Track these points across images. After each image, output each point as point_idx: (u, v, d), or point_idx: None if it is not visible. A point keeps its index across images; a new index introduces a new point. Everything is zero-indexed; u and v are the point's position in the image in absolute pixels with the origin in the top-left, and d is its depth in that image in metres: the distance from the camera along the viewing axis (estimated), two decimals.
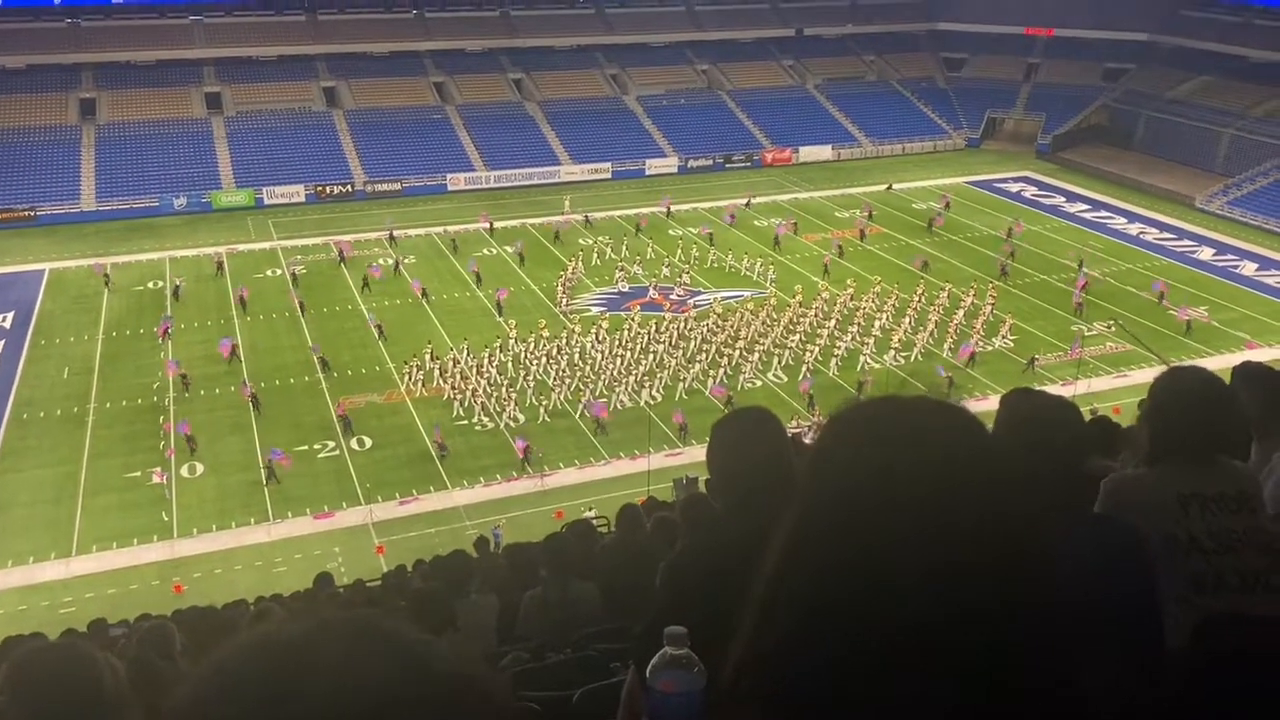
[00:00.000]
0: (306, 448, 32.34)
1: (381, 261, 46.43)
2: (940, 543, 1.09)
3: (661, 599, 2.78)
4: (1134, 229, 54.93)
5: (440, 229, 52.26)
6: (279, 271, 46.85)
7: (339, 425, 33.23)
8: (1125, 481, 3.21)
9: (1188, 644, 1.87)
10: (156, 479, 30.06)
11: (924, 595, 1.08)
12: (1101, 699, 2.04)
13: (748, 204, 56.89)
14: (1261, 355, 34.19)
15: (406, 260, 47.72)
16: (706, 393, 35.35)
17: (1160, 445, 3.20)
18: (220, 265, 46.57)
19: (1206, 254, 51.24)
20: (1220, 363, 34.96)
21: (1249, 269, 49.12)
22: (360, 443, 32.80)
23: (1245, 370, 5.02)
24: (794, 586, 1.16)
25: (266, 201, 56.66)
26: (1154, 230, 54.75)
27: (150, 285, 45.14)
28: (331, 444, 32.60)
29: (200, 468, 31.30)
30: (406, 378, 36.13)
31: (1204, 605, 2.83)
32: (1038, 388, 3.48)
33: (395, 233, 50.93)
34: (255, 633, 0.94)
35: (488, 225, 52.53)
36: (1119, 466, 3.72)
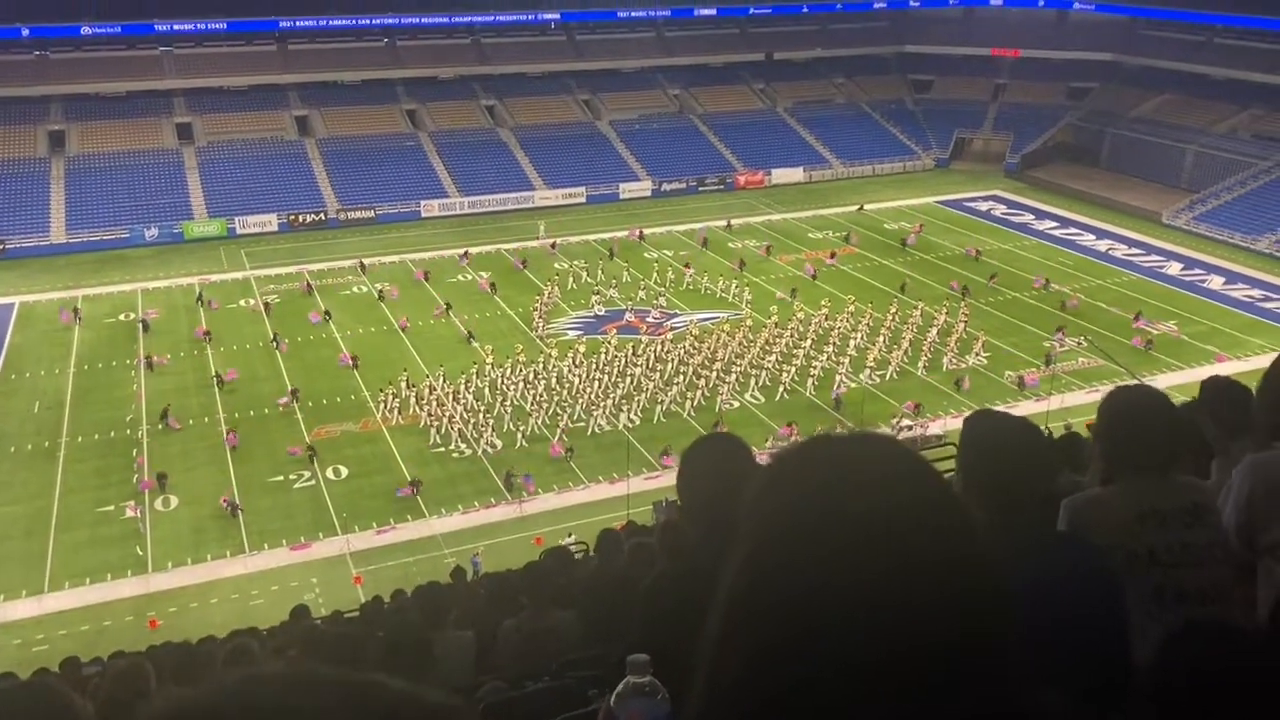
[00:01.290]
0: (281, 478, 32.07)
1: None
2: (884, 579, 1.09)
3: (635, 628, 2.79)
4: (1103, 245, 55.61)
5: (414, 255, 52.18)
6: (252, 301, 46.58)
7: (306, 456, 32.85)
8: (1084, 501, 3.26)
9: (1152, 659, 1.90)
10: (130, 512, 29.72)
11: (871, 634, 1.07)
12: (1073, 717, 2.06)
13: (728, 226, 57.26)
14: (1230, 368, 34.59)
15: (381, 288, 47.56)
16: (684, 414, 35.39)
17: (1113, 464, 3.27)
18: (200, 297, 46.14)
19: (1174, 269, 51.92)
20: (1190, 376, 35.37)
21: (1216, 283, 49.79)
22: (336, 472, 32.56)
23: (1213, 383, 5.11)
24: (740, 630, 1.15)
25: (239, 231, 56.40)
26: (1122, 246, 55.44)
27: (122, 317, 44.75)
28: (307, 474, 32.33)
29: (174, 500, 30.95)
30: (382, 406, 35.95)
31: (1166, 619, 2.87)
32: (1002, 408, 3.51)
33: (366, 261, 50.82)
34: (173, 699, 0.92)
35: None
36: (1088, 481, 3.77)
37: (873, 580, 1.09)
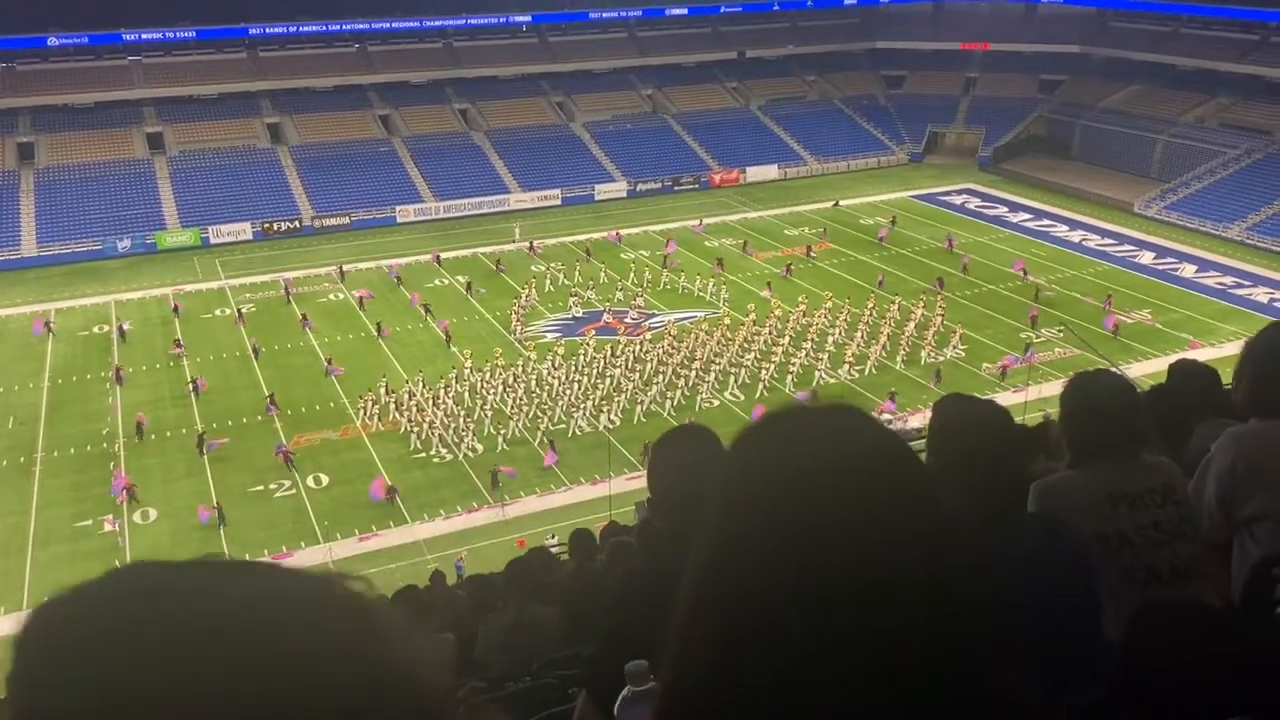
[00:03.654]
0: (262, 488, 31.86)
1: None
2: (852, 555, 1.06)
3: (606, 623, 2.77)
4: (1076, 236, 56.00)
5: (391, 261, 51.98)
6: (228, 311, 46.25)
7: (282, 463, 32.64)
8: (1053, 484, 3.28)
9: (1121, 636, 1.90)
10: (109, 526, 29.45)
11: (844, 615, 1.04)
12: (1046, 699, 2.06)
13: (699, 226, 57.29)
14: (1204, 355, 34.91)
15: (357, 294, 47.35)
16: (664, 414, 35.40)
17: (1080, 448, 3.30)
18: (176, 309, 45.80)
19: (1147, 258, 52.35)
20: (1164, 364, 35.55)
21: (1189, 271, 50.25)
22: (317, 480, 32.38)
23: (1181, 367, 5.16)
24: (706, 615, 1.12)
25: (213, 240, 55.97)
26: (1095, 237, 55.84)
27: (96, 330, 44.34)
28: (288, 483, 32.13)
29: (153, 513, 30.68)
30: (362, 412, 35.77)
31: (1137, 598, 2.89)
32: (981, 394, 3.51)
33: (345, 267, 50.62)
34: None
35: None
36: (1062, 468, 3.79)
37: (840, 556, 1.06)
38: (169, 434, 35.04)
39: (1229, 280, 48.75)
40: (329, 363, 39.24)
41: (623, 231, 56.13)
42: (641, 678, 1.76)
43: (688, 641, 1.14)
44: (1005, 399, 33.71)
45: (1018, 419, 3.62)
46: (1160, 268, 50.86)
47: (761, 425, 1.22)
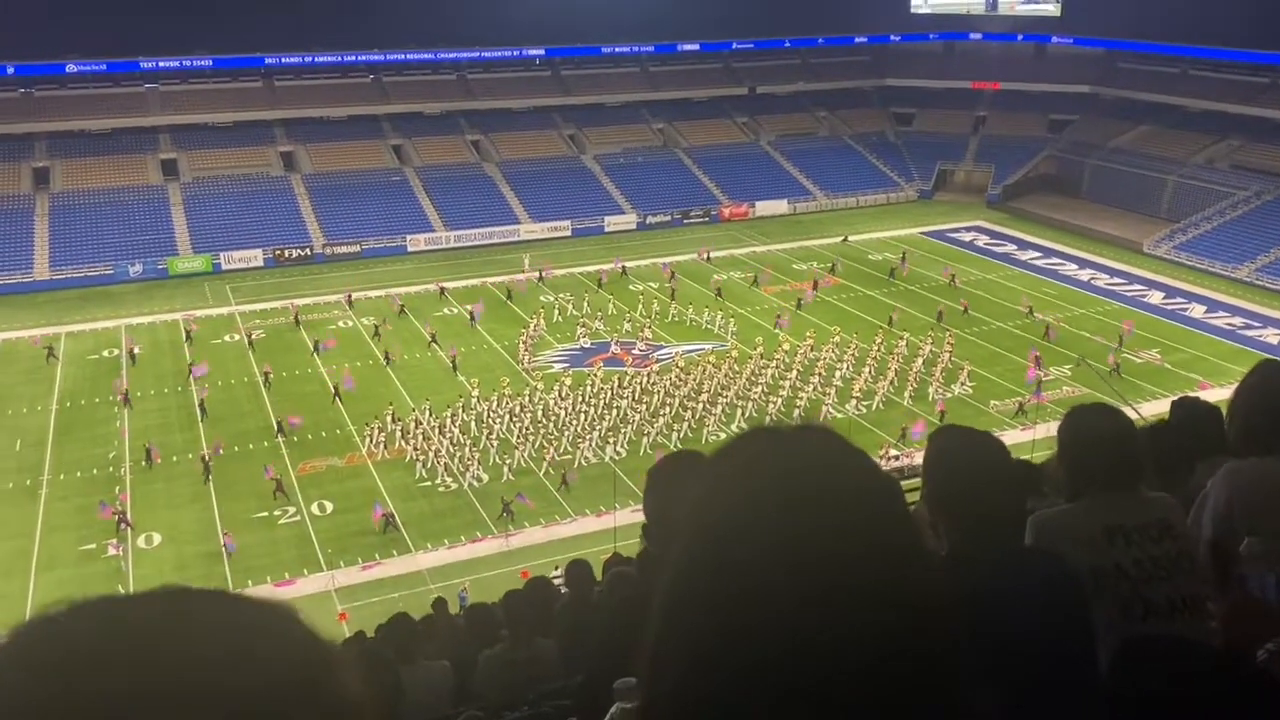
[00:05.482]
0: (266, 514, 31.83)
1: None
2: (821, 569, 1.06)
3: (599, 646, 2.76)
4: (1085, 275, 56.03)
5: (399, 290, 52.21)
6: (237, 337, 46.45)
7: (272, 488, 32.52)
8: (1050, 517, 3.27)
9: (1108, 667, 1.90)
10: (113, 551, 29.41)
11: (807, 626, 1.04)
12: None
13: (706, 258, 57.54)
14: (1214, 396, 34.76)
15: (366, 321, 47.50)
16: (671, 446, 35.32)
17: (1078, 481, 3.29)
18: (189, 334, 46.04)
19: (1156, 298, 52.32)
20: None
21: (1198, 311, 50.19)
22: (321, 507, 32.35)
23: (1183, 404, 5.16)
24: (677, 628, 1.11)
25: (224, 266, 56.33)
26: (1104, 275, 55.87)
27: (105, 354, 44.54)
28: (292, 510, 32.11)
29: (157, 538, 30.66)
30: (368, 440, 35.79)
31: (1134, 632, 2.87)
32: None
33: (353, 295, 50.87)
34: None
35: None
36: (1054, 502, 3.79)
37: (809, 569, 1.07)
38: (175, 459, 35.07)
39: (1238, 321, 48.65)
40: (337, 389, 39.31)
41: (631, 264, 56.28)
42: (630, 695, 1.76)
43: (657, 660, 1.14)
44: (1012, 436, 33.59)
45: (1025, 456, 3.62)
46: (1169, 307, 50.81)
47: (730, 447, 1.22)
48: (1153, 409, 34.83)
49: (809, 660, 1.05)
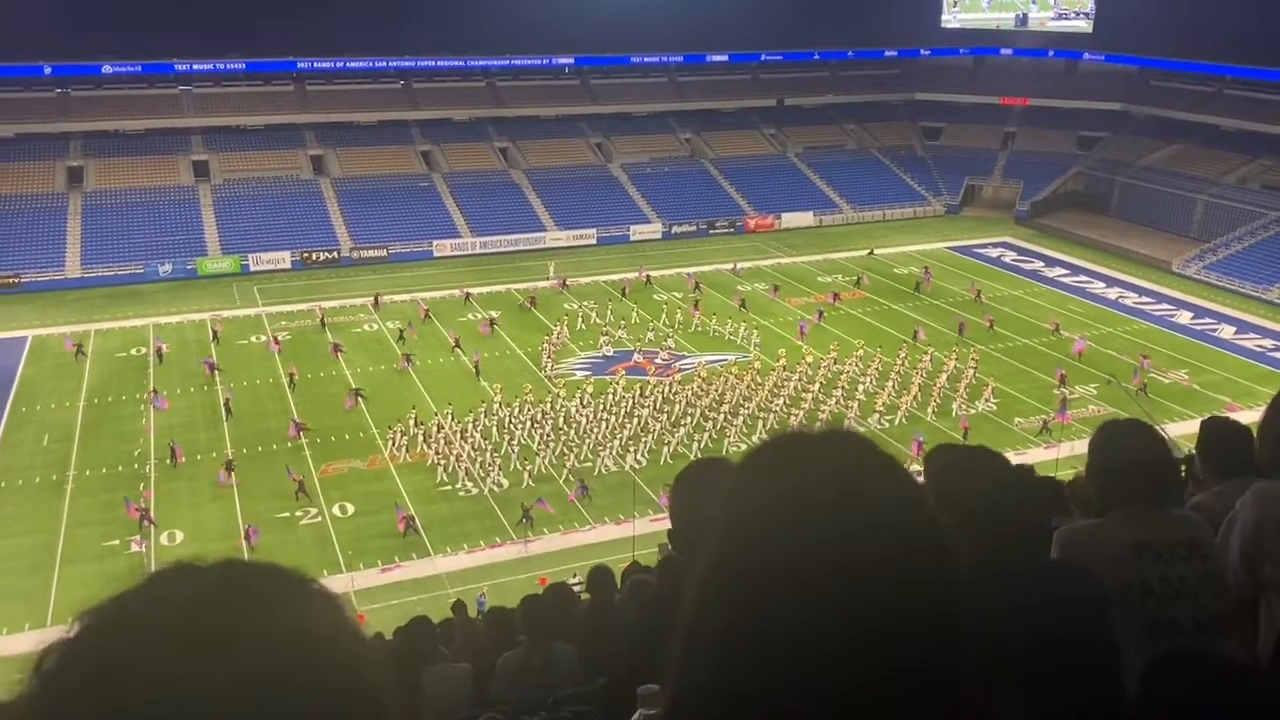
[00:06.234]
0: (288, 515, 32.01)
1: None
2: (848, 569, 1.07)
3: (623, 652, 2.77)
4: (1113, 293, 55.58)
5: (424, 294, 52.47)
6: (263, 338, 46.82)
7: (294, 489, 32.70)
8: (1077, 532, 3.25)
9: (1138, 682, 1.89)
10: (135, 547, 29.65)
11: (834, 626, 1.06)
12: None
13: (735, 269, 57.58)
14: (1243, 418, 34.33)
15: (401, 327, 47.77)
16: (691, 455, 35.27)
17: (1107, 498, 3.26)
18: (215, 334, 46.45)
19: (1185, 318, 51.80)
20: None
21: (1227, 332, 49.64)
22: (343, 509, 32.50)
23: (1212, 424, 5.11)
24: (706, 636, 1.13)
25: (252, 268, 56.83)
26: (1132, 294, 55.40)
27: (133, 352, 45.00)
28: (314, 511, 32.29)
29: (180, 535, 30.89)
30: (390, 443, 35.95)
31: (1159, 649, 2.84)
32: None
33: (381, 298, 51.18)
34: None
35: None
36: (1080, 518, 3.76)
37: (836, 569, 1.08)
38: (199, 458, 35.35)
39: (1268, 343, 48.05)
40: (355, 392, 39.53)
41: (656, 273, 56.32)
42: (653, 701, 1.77)
43: (686, 661, 1.16)
44: (1036, 455, 33.33)
45: (1049, 474, 3.60)
46: (1198, 328, 50.28)
47: (761, 450, 1.24)
48: (1180, 430, 34.47)
49: (833, 663, 1.07)
